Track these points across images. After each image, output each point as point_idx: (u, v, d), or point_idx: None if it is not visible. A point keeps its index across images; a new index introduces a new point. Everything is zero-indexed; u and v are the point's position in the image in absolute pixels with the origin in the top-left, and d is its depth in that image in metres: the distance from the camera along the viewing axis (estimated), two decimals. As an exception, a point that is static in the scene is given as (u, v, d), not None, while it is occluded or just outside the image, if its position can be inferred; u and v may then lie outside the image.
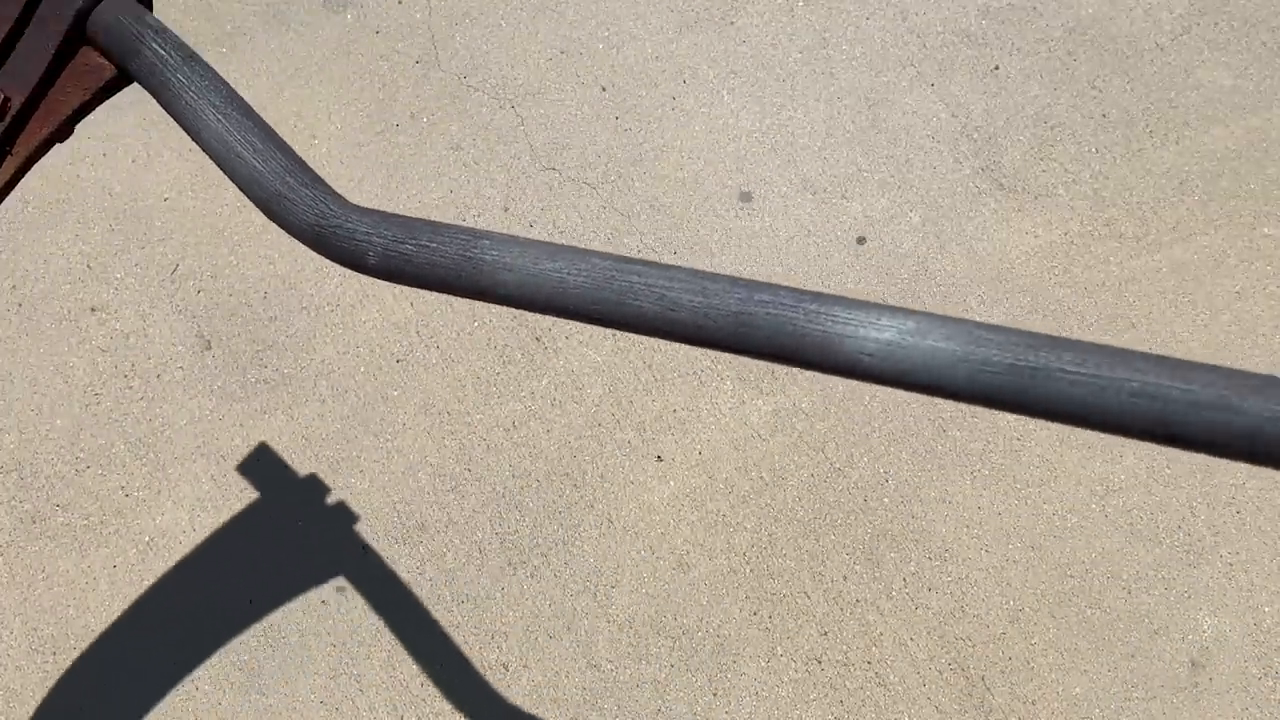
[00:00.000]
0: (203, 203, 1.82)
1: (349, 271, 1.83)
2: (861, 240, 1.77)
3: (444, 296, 1.74)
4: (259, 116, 0.66)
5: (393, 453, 1.63)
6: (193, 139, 0.67)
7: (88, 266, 1.78)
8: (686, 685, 1.49)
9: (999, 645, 1.50)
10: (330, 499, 1.61)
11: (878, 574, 1.54)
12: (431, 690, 1.49)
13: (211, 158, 0.66)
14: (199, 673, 1.51)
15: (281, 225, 0.64)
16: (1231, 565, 1.53)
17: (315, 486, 1.62)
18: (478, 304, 1.73)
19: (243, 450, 1.64)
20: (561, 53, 1.95)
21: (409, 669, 1.51)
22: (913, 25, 1.97)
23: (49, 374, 1.70)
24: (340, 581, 1.56)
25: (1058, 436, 1.61)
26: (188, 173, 1.84)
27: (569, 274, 0.55)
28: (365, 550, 1.57)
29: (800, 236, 1.77)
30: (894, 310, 0.50)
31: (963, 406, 1.64)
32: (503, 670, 1.50)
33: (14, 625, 1.54)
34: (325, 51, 1.96)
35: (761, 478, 1.60)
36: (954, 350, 0.49)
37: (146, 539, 1.58)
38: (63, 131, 0.73)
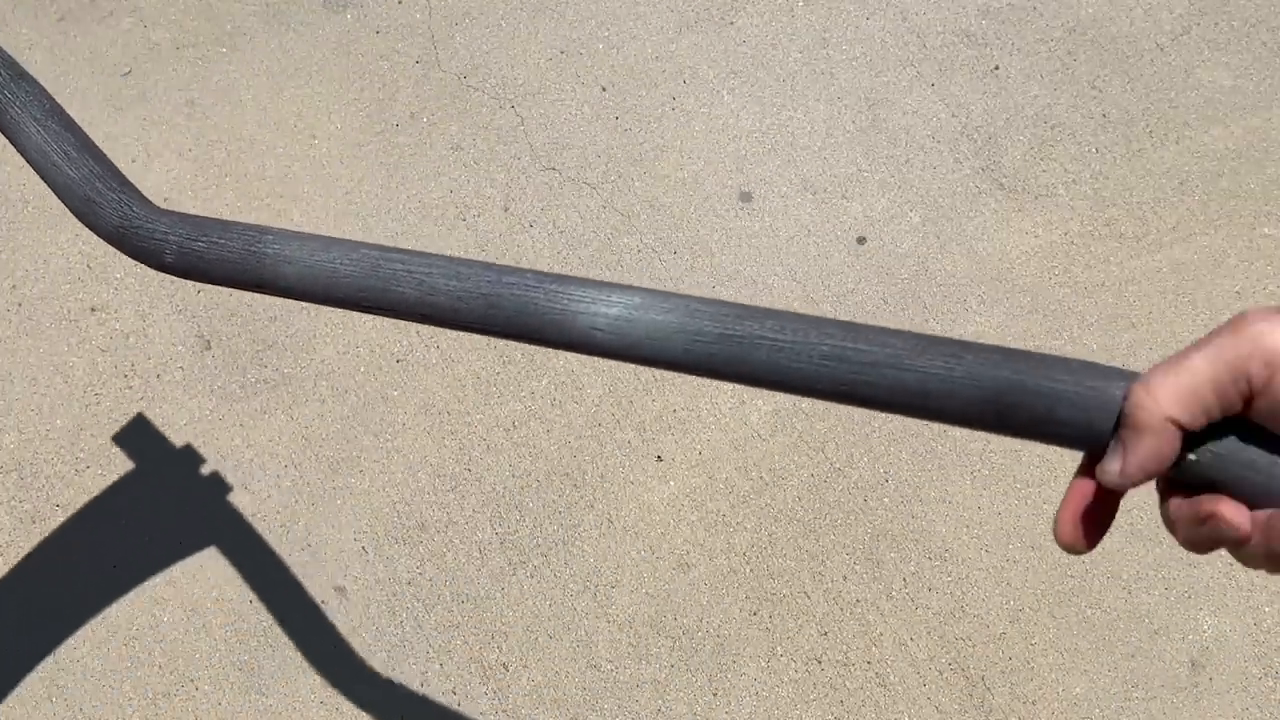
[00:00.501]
0: (203, 203, 1.82)
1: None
2: (861, 240, 1.77)
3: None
4: (79, 128, 0.70)
5: (393, 453, 1.63)
6: (19, 151, 0.70)
7: (88, 266, 1.78)
8: (686, 685, 1.49)
9: (999, 645, 1.50)
10: (330, 499, 1.61)
11: (878, 574, 1.54)
12: (431, 690, 1.49)
13: (35, 169, 0.69)
14: (199, 673, 1.51)
15: (92, 229, 0.67)
16: (1232, 565, 1.53)
17: (315, 486, 1.62)
18: (478, 304, 1.73)
19: (243, 450, 1.64)
20: (561, 53, 1.95)
21: (409, 669, 1.51)
22: (913, 25, 1.97)
23: (49, 374, 1.70)
24: (340, 581, 1.56)
25: (1058, 436, 1.61)
26: (188, 173, 1.84)
27: (340, 264, 0.58)
28: (365, 550, 1.57)
29: (800, 236, 1.77)
30: (625, 288, 0.53)
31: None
32: (503, 670, 1.50)
33: (13, 625, 1.54)
34: (325, 51, 1.96)
35: (761, 478, 1.60)
36: (672, 323, 0.52)
37: (147, 539, 1.58)
38: None
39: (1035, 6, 1.98)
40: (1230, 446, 0.45)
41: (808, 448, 1.62)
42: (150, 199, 0.66)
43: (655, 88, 1.92)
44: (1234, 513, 0.45)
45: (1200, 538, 0.46)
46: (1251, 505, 0.45)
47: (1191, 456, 0.45)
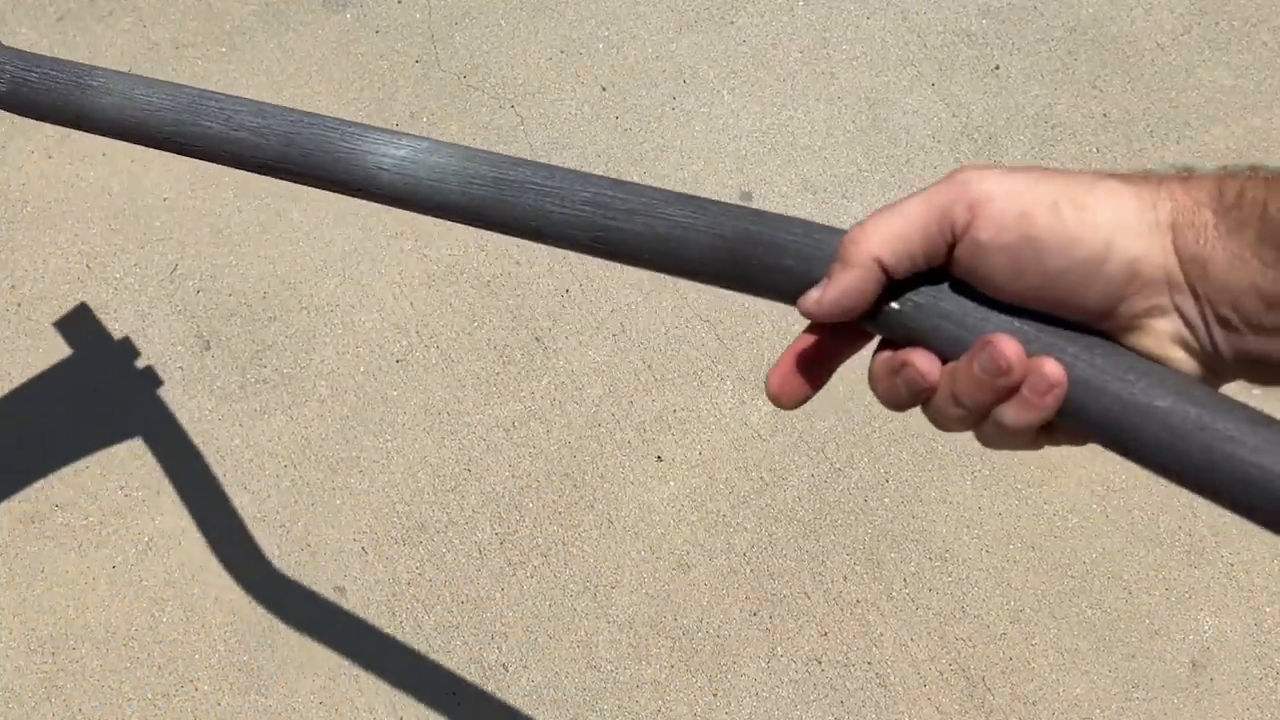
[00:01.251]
0: (202, 203, 1.82)
1: (349, 271, 1.82)
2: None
3: (444, 297, 1.74)
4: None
5: (393, 453, 1.63)
6: None
7: (87, 266, 1.78)
8: (686, 685, 1.49)
9: (999, 646, 1.50)
10: (330, 499, 1.61)
11: (878, 574, 1.54)
12: (431, 690, 1.49)
13: None
14: (199, 673, 1.51)
15: None
16: (1232, 565, 1.53)
17: (315, 486, 1.61)
18: (477, 304, 1.73)
19: (243, 450, 1.64)
20: (561, 53, 1.95)
21: (409, 669, 1.50)
22: (913, 25, 1.97)
23: (49, 374, 1.70)
24: (340, 581, 1.56)
25: (1058, 436, 1.61)
26: (188, 173, 1.84)
27: (157, 99, 0.62)
28: (365, 550, 1.57)
29: (800, 236, 1.77)
30: (414, 136, 0.57)
31: (963, 406, 1.64)
32: (503, 670, 1.50)
33: (13, 625, 1.54)
34: (325, 51, 1.96)
35: (761, 478, 1.60)
36: (451, 165, 0.55)
37: (146, 539, 1.58)
38: None
39: (1035, 6, 1.98)
40: (928, 295, 0.46)
41: (808, 448, 1.62)
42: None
43: (655, 88, 1.92)
44: (925, 362, 0.46)
45: (895, 390, 0.48)
46: (944, 358, 0.46)
47: (894, 305, 0.47)
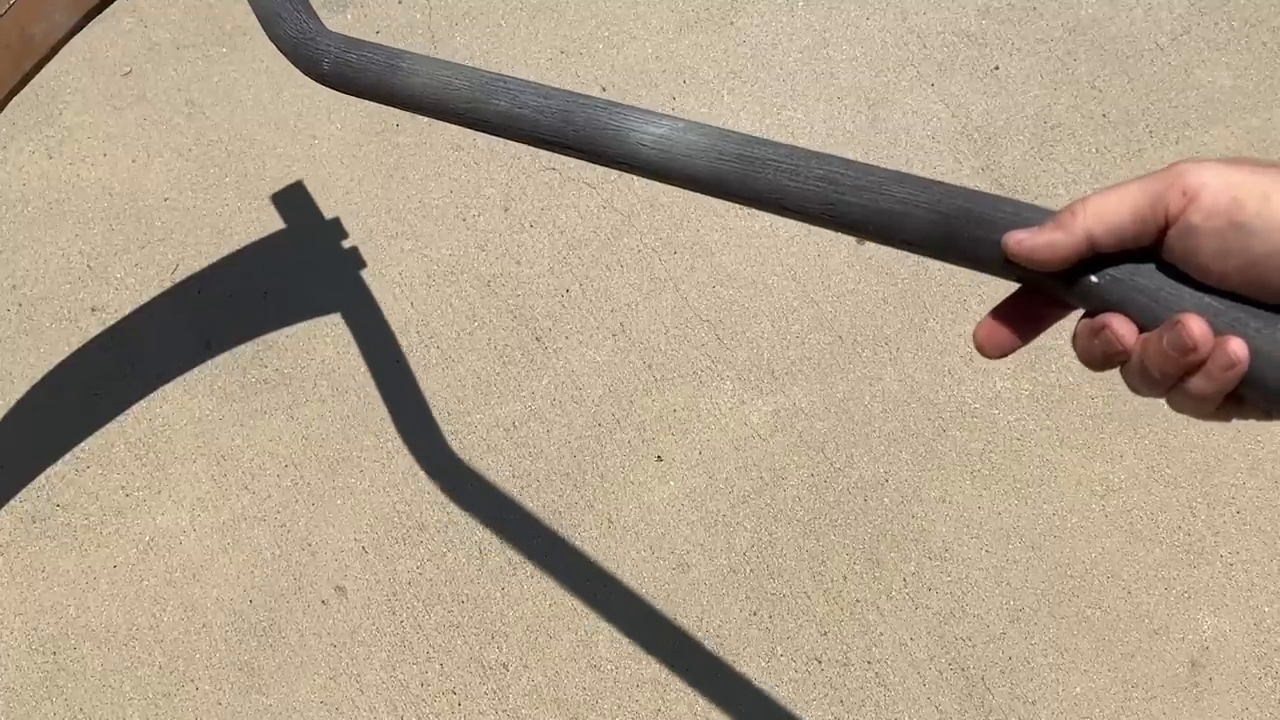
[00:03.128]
0: (203, 203, 1.82)
1: (348, 272, 1.82)
2: (862, 241, 1.77)
3: (444, 297, 1.74)
4: None
5: (393, 453, 1.63)
6: None
7: (88, 266, 1.78)
8: (687, 685, 1.49)
9: (999, 645, 1.50)
10: (330, 499, 1.61)
11: (878, 574, 1.54)
12: (431, 690, 1.49)
13: None
14: (199, 673, 1.51)
15: (275, 42, 0.82)
16: (1231, 565, 1.53)
17: (315, 486, 1.62)
18: (477, 304, 1.73)
19: (243, 450, 1.64)
20: (561, 53, 1.95)
21: (409, 669, 1.51)
22: (913, 25, 1.97)
23: (49, 374, 1.70)
24: (340, 581, 1.56)
25: (1058, 437, 1.61)
26: (188, 173, 1.84)
27: (455, 80, 0.70)
28: (365, 550, 1.57)
29: (800, 236, 1.77)
30: (671, 116, 0.63)
31: (963, 407, 1.64)
32: (503, 670, 1.50)
33: (14, 625, 1.54)
34: (325, 51, 1.96)
35: (761, 478, 1.60)
36: (703, 144, 0.61)
37: (146, 539, 1.58)
38: None
39: (1035, 6, 1.98)
40: (1127, 271, 0.50)
41: (808, 448, 1.62)
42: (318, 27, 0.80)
43: (655, 88, 1.92)
44: (1123, 327, 0.50)
45: (1092, 350, 0.52)
46: (1141, 328, 0.50)
47: (1093, 278, 0.51)
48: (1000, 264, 0.54)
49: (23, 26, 0.95)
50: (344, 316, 1.73)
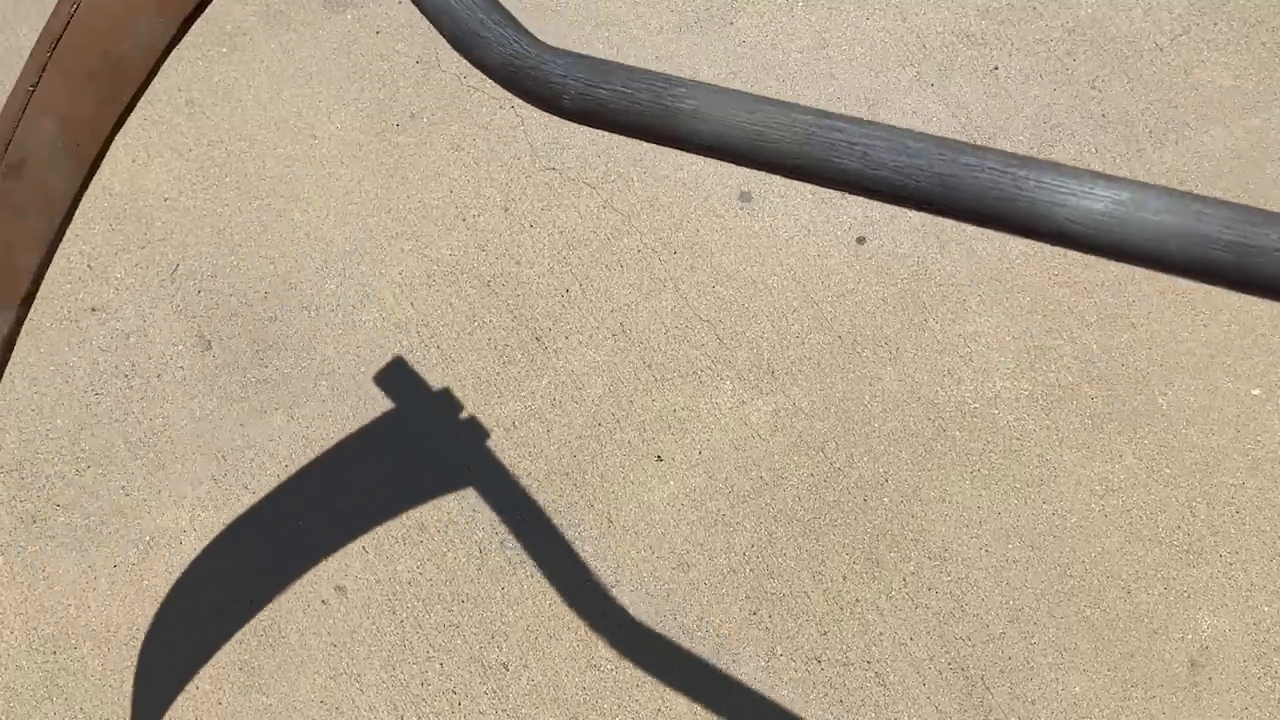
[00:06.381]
0: (203, 203, 1.82)
1: (349, 271, 1.83)
2: (861, 240, 1.77)
3: (444, 297, 1.74)
4: None
5: (393, 452, 1.64)
6: None
7: (88, 266, 1.78)
8: (687, 685, 1.49)
9: (999, 645, 1.50)
10: (330, 498, 1.61)
11: (877, 574, 1.54)
12: (431, 690, 1.50)
13: None
14: (199, 673, 1.51)
15: (473, 61, 0.65)
16: (1231, 565, 1.53)
17: (315, 486, 1.62)
18: (477, 304, 1.73)
19: (244, 450, 1.64)
20: (561, 53, 1.95)
21: (409, 669, 1.51)
22: (913, 25, 1.97)
23: (49, 374, 1.70)
24: (340, 581, 1.56)
25: (1057, 437, 1.61)
26: (188, 173, 1.84)
27: (768, 128, 0.56)
28: (365, 550, 1.58)
29: (800, 236, 1.78)
30: (1106, 179, 0.50)
31: (963, 407, 1.64)
32: (503, 670, 1.50)
33: (14, 624, 1.54)
34: (325, 51, 1.96)
35: (761, 478, 1.60)
36: (1169, 224, 0.49)
37: (147, 539, 1.59)
38: None
39: (1035, 6, 1.98)
40: None
41: (808, 448, 1.62)
42: (533, 39, 0.65)
43: (655, 88, 1.92)
44: None
45: None
46: None
47: None
48: None
49: (104, 50, 0.76)
50: (344, 317, 1.73)
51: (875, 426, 1.63)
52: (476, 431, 1.65)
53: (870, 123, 0.55)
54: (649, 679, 1.49)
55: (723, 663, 1.50)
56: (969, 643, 1.50)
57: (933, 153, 0.53)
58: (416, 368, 1.69)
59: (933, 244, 1.76)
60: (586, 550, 1.57)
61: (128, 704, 1.49)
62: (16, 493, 1.62)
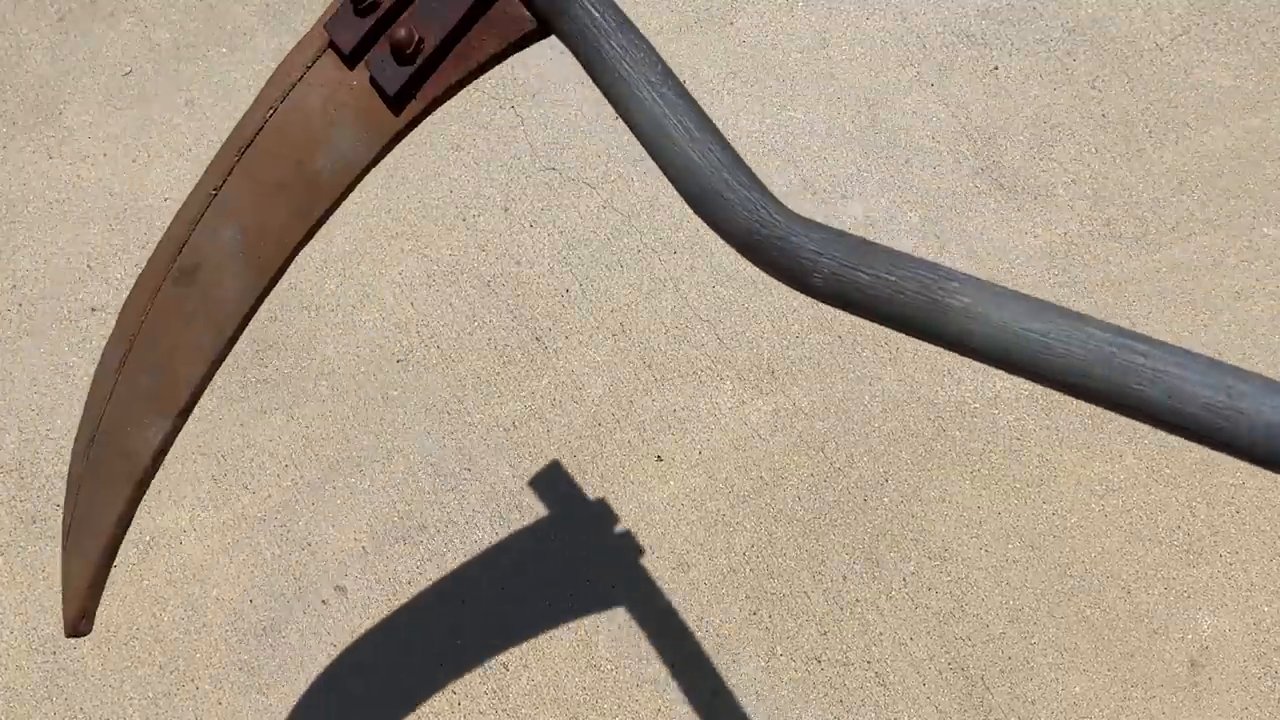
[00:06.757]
0: (203, 203, 1.82)
1: (349, 271, 1.83)
2: (861, 240, 1.77)
3: (444, 297, 1.74)
4: (693, 99, 0.62)
5: (393, 453, 1.64)
6: (619, 112, 0.62)
7: (88, 266, 1.78)
8: (686, 685, 1.49)
9: (999, 645, 1.50)
10: (330, 499, 1.61)
11: (877, 574, 1.54)
12: (432, 690, 1.50)
13: (640, 138, 0.61)
14: (199, 673, 1.51)
15: (711, 224, 0.60)
16: (1231, 565, 1.53)
17: (315, 486, 1.62)
18: (477, 304, 1.73)
19: (243, 450, 1.64)
20: (562, 53, 1.95)
21: (409, 669, 1.51)
22: (913, 25, 1.97)
23: (49, 374, 1.70)
24: (340, 581, 1.56)
25: (1057, 437, 1.61)
26: (188, 173, 1.84)
27: (1054, 340, 0.50)
28: (365, 550, 1.58)
29: (800, 236, 1.78)
30: None
31: (963, 407, 1.64)
32: (503, 670, 1.50)
33: (14, 624, 1.54)
34: (325, 51, 1.96)
35: (761, 478, 1.60)
36: None
37: (146, 539, 1.59)
38: (469, 79, 0.69)
39: (1035, 6, 1.98)
40: None
41: (808, 448, 1.62)
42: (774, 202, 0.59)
43: (655, 88, 1.92)
44: None
45: None
46: None
47: None
48: None
49: (298, 160, 0.71)
50: (344, 317, 1.73)
51: (875, 426, 1.63)
52: (476, 431, 1.65)
53: (1178, 349, 0.48)
54: (649, 679, 1.49)
55: (723, 663, 1.50)
56: (969, 643, 1.50)
57: (1263, 399, 0.46)
58: (416, 368, 1.69)
59: (933, 244, 1.76)
60: (587, 550, 1.57)
61: (127, 704, 1.49)
62: (16, 493, 1.62)
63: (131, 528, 1.59)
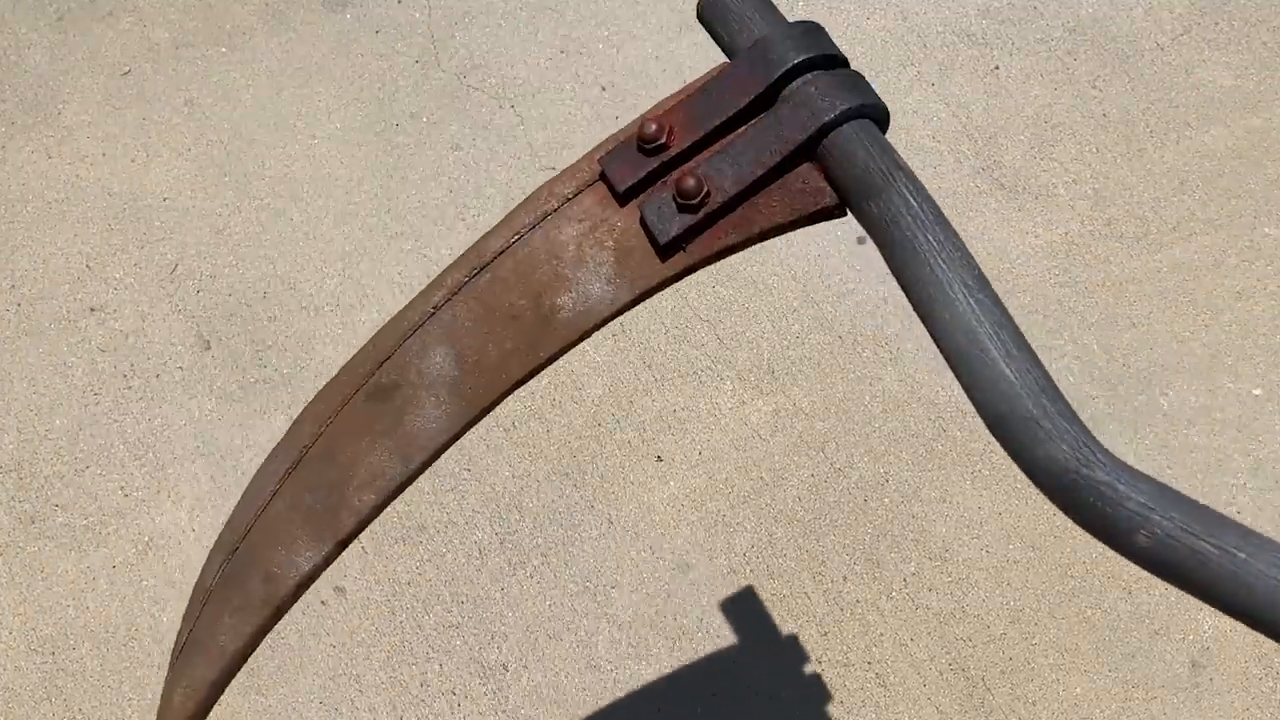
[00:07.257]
0: (202, 203, 1.82)
1: (349, 271, 1.83)
2: (861, 240, 1.77)
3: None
4: (1008, 311, 0.55)
5: (392, 453, 1.63)
6: (921, 312, 0.55)
7: (87, 266, 1.78)
8: (686, 685, 1.49)
9: (999, 646, 1.50)
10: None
11: (878, 574, 1.54)
12: (431, 691, 1.49)
13: (943, 344, 0.54)
14: (198, 673, 1.51)
15: (1014, 452, 0.52)
16: (1232, 565, 1.53)
17: (315, 486, 1.61)
18: (477, 304, 1.73)
19: (243, 450, 1.64)
20: (561, 53, 1.95)
21: (409, 669, 1.50)
22: (913, 25, 1.97)
23: (48, 374, 1.70)
24: (340, 581, 1.56)
25: (1058, 436, 1.61)
26: (188, 173, 1.84)
27: None
28: (365, 550, 1.57)
29: (800, 236, 1.77)
30: None
31: (963, 407, 1.64)
32: (503, 670, 1.50)
33: (13, 625, 1.54)
34: (325, 51, 1.96)
35: (761, 478, 1.60)
36: None
37: (146, 539, 1.58)
38: (745, 245, 0.63)
39: (1035, 6, 1.98)
40: None
41: (808, 448, 1.62)
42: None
43: (655, 88, 1.92)
44: None
45: None
46: None
47: None
48: None
49: (537, 294, 0.65)
50: (343, 317, 1.73)
51: (875, 426, 1.63)
52: (475, 430, 1.65)
53: None
54: (649, 679, 1.49)
55: (723, 664, 1.50)
56: (970, 643, 1.50)
57: None
58: (416, 368, 1.69)
59: (933, 244, 1.76)
60: (586, 550, 1.57)
61: (127, 704, 1.49)
62: (15, 493, 1.62)
63: (130, 528, 1.59)
